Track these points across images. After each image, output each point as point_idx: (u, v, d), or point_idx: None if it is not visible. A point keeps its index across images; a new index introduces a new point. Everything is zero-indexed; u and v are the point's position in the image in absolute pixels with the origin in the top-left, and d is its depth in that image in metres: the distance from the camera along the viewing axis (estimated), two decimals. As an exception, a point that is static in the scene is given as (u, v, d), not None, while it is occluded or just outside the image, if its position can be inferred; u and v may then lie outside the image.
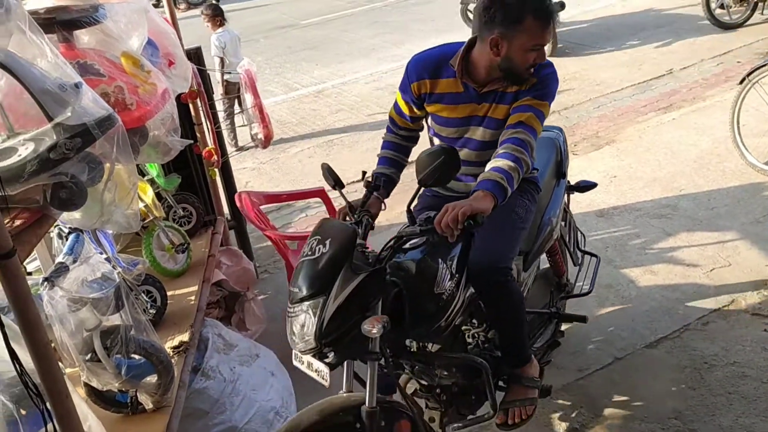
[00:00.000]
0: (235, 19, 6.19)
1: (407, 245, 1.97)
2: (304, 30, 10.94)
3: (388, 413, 1.91)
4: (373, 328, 1.73)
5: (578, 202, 4.21)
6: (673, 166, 4.48)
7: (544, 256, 2.72)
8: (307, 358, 1.82)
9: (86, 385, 2.02)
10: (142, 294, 2.50)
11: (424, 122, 2.43)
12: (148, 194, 2.77)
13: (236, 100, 5.89)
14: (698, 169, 4.39)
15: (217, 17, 6.04)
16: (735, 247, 3.53)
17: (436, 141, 2.35)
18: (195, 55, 3.22)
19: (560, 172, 2.74)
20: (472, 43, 2.18)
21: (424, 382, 2.30)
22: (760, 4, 7.31)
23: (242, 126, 6.08)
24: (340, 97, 7.25)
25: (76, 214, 1.49)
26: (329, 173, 2.28)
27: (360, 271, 1.81)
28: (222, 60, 5.91)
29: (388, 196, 2.40)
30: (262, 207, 3.35)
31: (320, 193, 3.48)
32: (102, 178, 1.51)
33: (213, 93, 3.45)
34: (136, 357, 2.04)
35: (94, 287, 1.90)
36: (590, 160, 4.80)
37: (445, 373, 2.27)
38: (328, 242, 1.83)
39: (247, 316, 3.28)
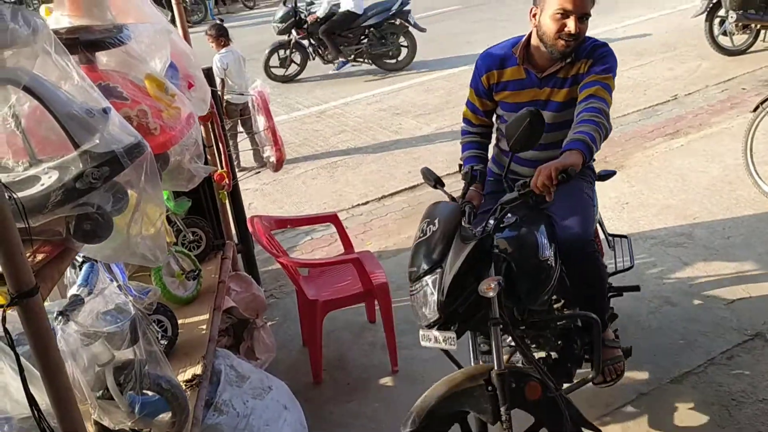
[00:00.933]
0: (234, 38, 6.12)
1: (503, 224, 2.13)
2: (305, 50, 10.92)
3: (517, 376, 2.03)
4: (489, 288, 1.87)
5: (591, 229, 4.15)
6: (684, 194, 4.43)
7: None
8: (434, 332, 1.97)
9: (96, 423, 1.91)
10: (154, 324, 2.39)
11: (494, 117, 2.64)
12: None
13: (238, 122, 5.81)
14: (710, 197, 4.34)
15: (221, 37, 5.97)
16: (754, 278, 3.46)
17: (502, 128, 2.57)
18: (207, 76, 3.15)
19: None
20: (530, 34, 2.41)
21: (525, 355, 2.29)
22: (763, 32, 7.33)
23: (246, 150, 6.02)
24: (342, 118, 7.20)
25: (100, 247, 1.39)
26: (429, 174, 2.43)
27: (469, 241, 1.99)
28: (223, 81, 5.80)
29: (483, 189, 2.57)
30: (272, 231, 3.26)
31: (332, 218, 3.39)
32: (127, 209, 1.43)
33: (224, 114, 3.37)
34: (150, 393, 1.93)
35: (108, 320, 1.80)
36: (600, 186, 4.68)
37: (554, 339, 2.45)
38: (436, 221, 2.06)
39: (257, 344, 3.17)
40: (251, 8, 17.07)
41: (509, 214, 2.14)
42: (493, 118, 2.66)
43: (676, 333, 3.15)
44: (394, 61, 8.74)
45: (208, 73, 3.14)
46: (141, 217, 1.40)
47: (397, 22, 8.57)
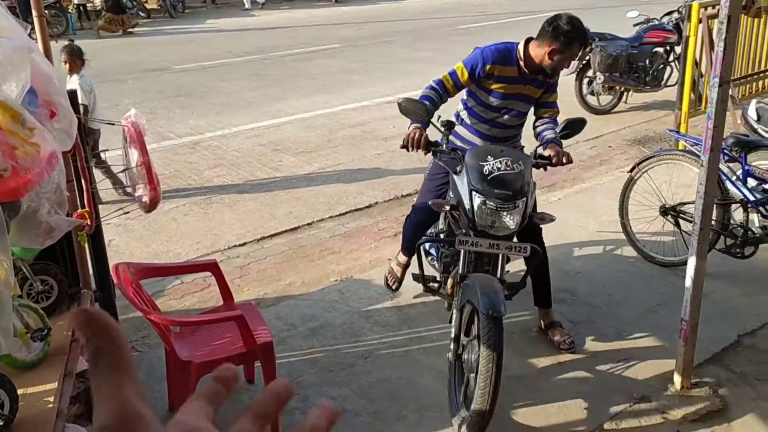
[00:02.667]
0: (96, 56, 5.56)
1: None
2: (178, 75, 10.36)
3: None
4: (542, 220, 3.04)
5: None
6: (564, 248, 4.50)
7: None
8: (488, 241, 2.87)
9: None
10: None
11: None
12: None
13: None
14: (589, 252, 4.44)
15: (79, 59, 5.35)
16: (635, 338, 3.52)
17: (475, 109, 3.39)
18: (71, 101, 2.73)
19: None
20: (527, 42, 3.24)
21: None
22: (625, 94, 7.85)
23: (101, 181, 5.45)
24: (218, 151, 6.79)
25: None
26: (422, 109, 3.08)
27: (534, 185, 3.03)
28: (86, 107, 5.21)
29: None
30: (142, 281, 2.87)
31: (212, 267, 3.04)
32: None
33: (88, 145, 2.96)
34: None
35: None
36: (485, 236, 4.72)
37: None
38: (520, 161, 2.91)
39: (114, 412, 2.73)
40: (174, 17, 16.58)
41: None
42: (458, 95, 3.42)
43: (566, 395, 3.10)
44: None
45: (73, 98, 2.74)
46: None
47: None
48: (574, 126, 3.14)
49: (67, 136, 1.83)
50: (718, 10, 6.01)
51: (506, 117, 3.36)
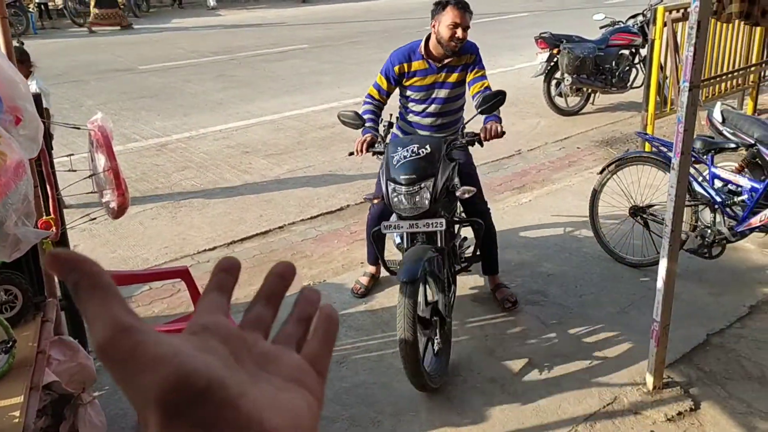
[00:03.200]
0: (57, 56, 5.44)
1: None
2: (143, 76, 10.19)
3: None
4: (466, 192, 3.28)
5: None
6: (536, 249, 4.53)
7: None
8: (408, 222, 3.15)
9: None
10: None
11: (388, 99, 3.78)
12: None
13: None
14: (560, 254, 4.47)
15: (27, 62, 5.14)
16: (607, 339, 3.55)
17: (407, 105, 3.79)
18: (37, 105, 2.64)
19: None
20: (428, 37, 3.61)
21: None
22: (593, 96, 7.95)
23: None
24: (186, 153, 6.69)
25: None
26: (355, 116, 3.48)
27: (453, 162, 3.37)
28: (48, 111, 5.03)
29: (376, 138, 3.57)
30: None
31: (183, 274, 2.98)
32: None
33: (52, 149, 2.87)
34: None
35: None
36: (457, 238, 4.73)
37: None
38: (427, 146, 3.18)
39: (82, 424, 2.66)
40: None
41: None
42: (389, 98, 3.78)
43: (540, 397, 3.11)
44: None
45: (39, 102, 2.65)
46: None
47: None
48: (491, 100, 3.33)
49: (33, 143, 1.77)
50: (683, 13, 6.15)
51: (433, 106, 3.70)
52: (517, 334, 3.59)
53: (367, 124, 3.53)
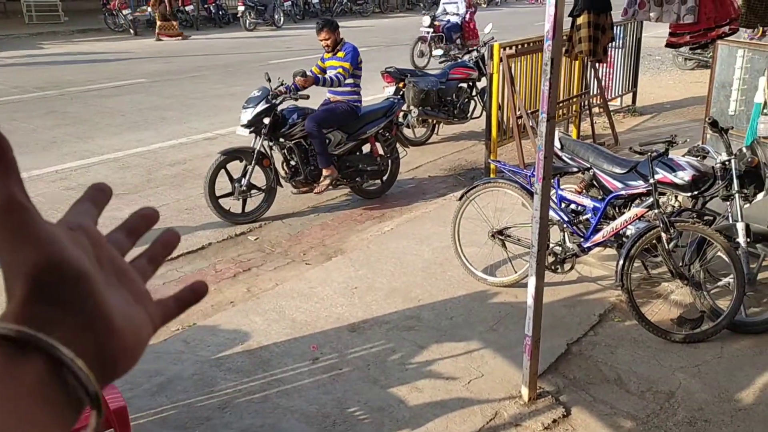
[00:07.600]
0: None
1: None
2: (-42, 113, 9.21)
3: None
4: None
5: (326, 317, 4.08)
6: (405, 276, 4.66)
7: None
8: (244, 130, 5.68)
9: None
10: None
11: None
12: None
13: None
14: (428, 279, 4.63)
15: None
16: (481, 356, 3.72)
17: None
18: None
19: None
20: None
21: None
22: (437, 126, 8.37)
23: None
24: (20, 197, 6.10)
25: None
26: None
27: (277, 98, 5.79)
28: None
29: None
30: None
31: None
32: None
33: None
34: None
35: None
36: (326, 270, 4.75)
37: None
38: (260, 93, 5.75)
39: None
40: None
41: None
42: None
43: (422, 418, 3.18)
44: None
45: None
46: None
47: None
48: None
49: None
50: (516, 50, 6.71)
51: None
52: (397, 361, 3.66)
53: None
